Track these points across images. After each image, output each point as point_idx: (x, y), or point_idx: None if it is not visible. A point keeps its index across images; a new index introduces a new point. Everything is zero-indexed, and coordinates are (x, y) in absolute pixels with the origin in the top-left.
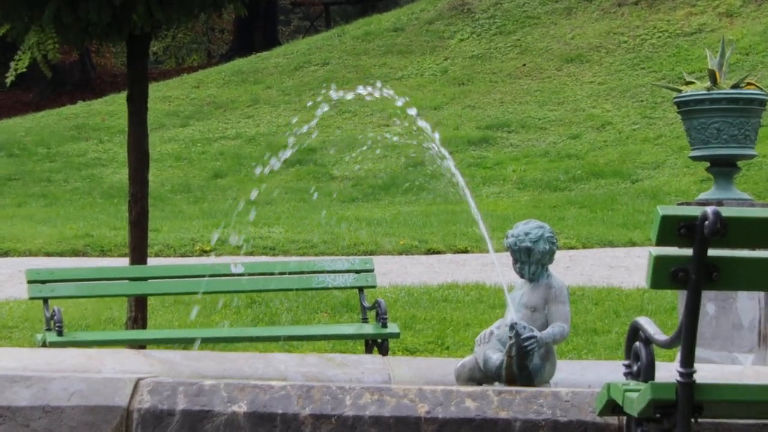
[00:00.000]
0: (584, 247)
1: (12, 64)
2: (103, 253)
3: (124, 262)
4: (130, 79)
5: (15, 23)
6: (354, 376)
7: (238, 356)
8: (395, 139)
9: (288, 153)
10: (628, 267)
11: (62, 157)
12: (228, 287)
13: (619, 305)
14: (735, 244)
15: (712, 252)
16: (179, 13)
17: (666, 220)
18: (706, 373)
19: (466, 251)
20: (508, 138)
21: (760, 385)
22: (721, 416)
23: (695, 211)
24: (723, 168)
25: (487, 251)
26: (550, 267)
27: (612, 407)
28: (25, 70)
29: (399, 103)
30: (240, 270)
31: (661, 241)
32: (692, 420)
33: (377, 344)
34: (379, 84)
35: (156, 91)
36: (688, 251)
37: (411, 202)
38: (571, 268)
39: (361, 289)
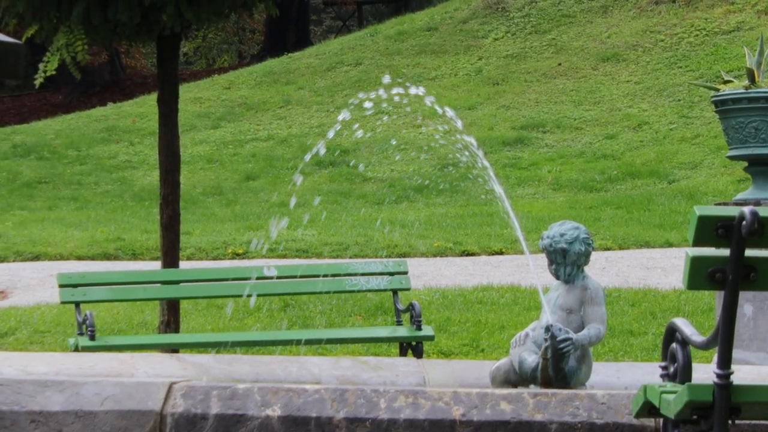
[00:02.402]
0: (620, 248)
1: (41, 66)
2: (134, 256)
3: (156, 265)
4: (160, 80)
5: (43, 24)
6: (388, 379)
7: (272, 360)
8: (423, 143)
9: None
10: (664, 268)
11: (93, 160)
12: (261, 290)
13: (655, 306)
14: None
15: (749, 252)
16: (209, 13)
17: (703, 220)
18: (743, 374)
19: (501, 253)
20: (544, 138)
21: None
22: (758, 418)
23: (732, 211)
24: (761, 168)
25: (522, 253)
26: (586, 268)
27: (648, 409)
28: (54, 72)
29: (435, 106)
30: (273, 273)
31: (698, 242)
32: (729, 422)
33: (412, 347)
34: (420, 88)
35: (187, 92)
36: (726, 252)
37: (445, 204)
38: (607, 269)
39: (395, 291)
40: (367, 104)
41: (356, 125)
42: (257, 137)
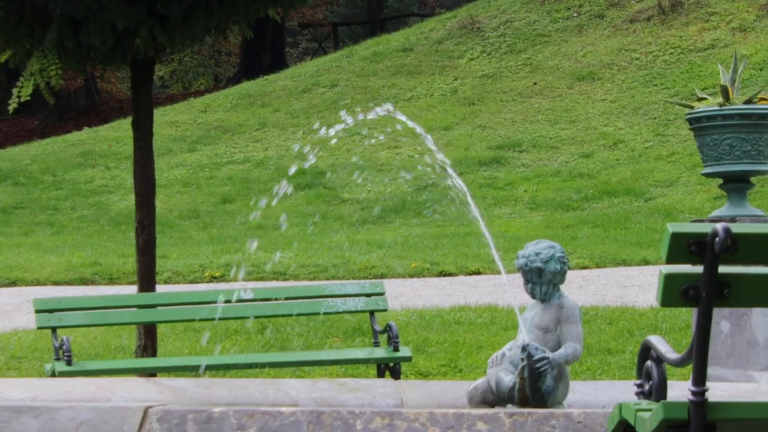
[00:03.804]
0: (597, 266)
1: (14, 91)
2: (111, 281)
3: (133, 289)
4: (134, 104)
5: (17, 49)
6: (366, 401)
7: (249, 382)
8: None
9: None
10: (641, 286)
11: (69, 185)
12: (238, 313)
13: (633, 324)
14: (746, 261)
15: (723, 269)
16: (183, 37)
17: (676, 237)
18: (720, 391)
19: (478, 273)
20: (520, 158)
21: None
22: None
23: (705, 228)
24: (736, 184)
25: (499, 273)
26: (562, 287)
27: (624, 427)
28: (29, 97)
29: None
30: (250, 295)
31: (671, 259)
32: None
33: (389, 368)
34: (389, 106)
35: (163, 115)
36: (699, 269)
37: (422, 225)
38: (584, 288)
39: (372, 312)
40: (344, 126)
41: (333, 147)
42: (233, 160)
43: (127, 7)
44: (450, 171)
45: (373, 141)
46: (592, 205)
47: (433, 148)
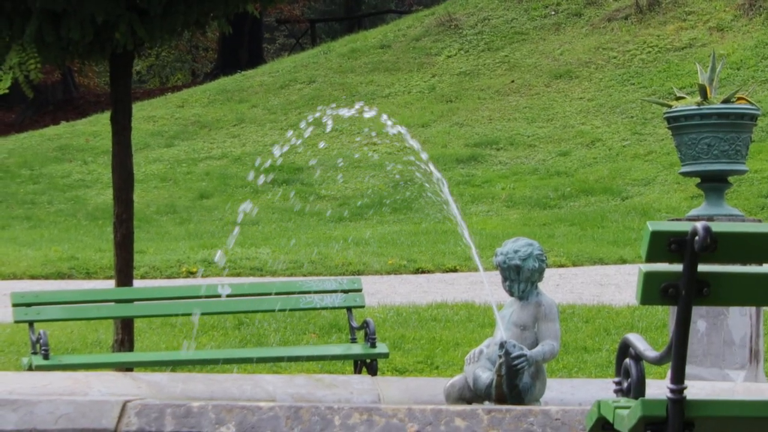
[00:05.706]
0: (574, 264)
1: None
2: (88, 275)
3: (110, 284)
4: (113, 98)
5: None
6: (343, 397)
7: (226, 378)
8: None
9: None
10: (618, 284)
11: (46, 179)
12: (215, 309)
13: (609, 323)
14: (725, 260)
15: (702, 267)
16: (162, 31)
17: (656, 235)
18: (697, 390)
19: (455, 270)
20: (497, 155)
21: (751, 402)
22: None
23: (685, 226)
24: (713, 184)
25: (476, 270)
26: (540, 285)
27: (602, 425)
28: (7, 91)
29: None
30: (227, 291)
31: (651, 257)
32: None
33: (366, 365)
34: (371, 108)
35: (140, 110)
36: (678, 267)
37: (399, 222)
38: (561, 286)
39: (349, 309)
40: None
41: (311, 143)
42: (211, 155)
43: (106, 0)
44: (432, 168)
45: (356, 138)
46: (569, 203)
47: (415, 145)
